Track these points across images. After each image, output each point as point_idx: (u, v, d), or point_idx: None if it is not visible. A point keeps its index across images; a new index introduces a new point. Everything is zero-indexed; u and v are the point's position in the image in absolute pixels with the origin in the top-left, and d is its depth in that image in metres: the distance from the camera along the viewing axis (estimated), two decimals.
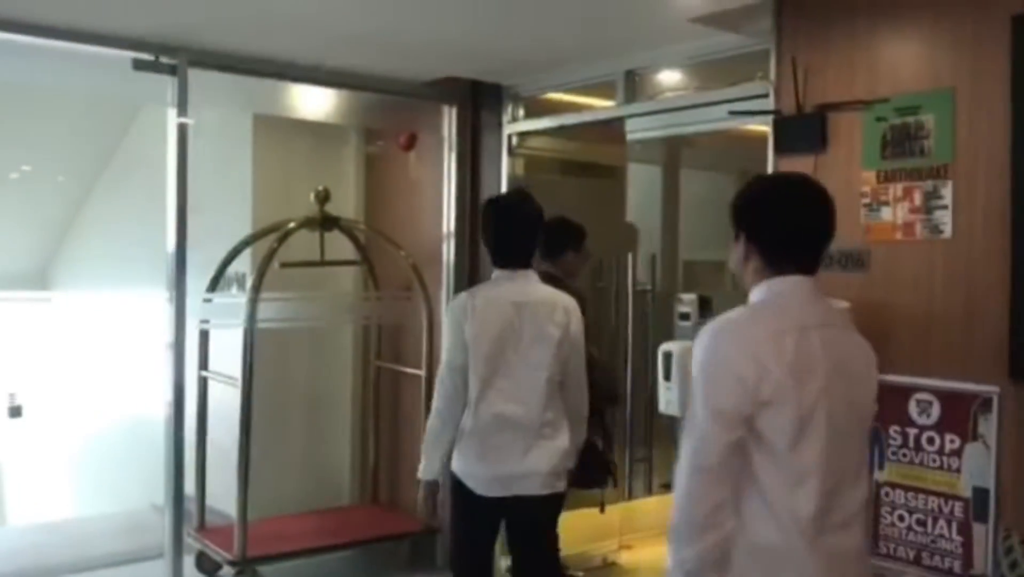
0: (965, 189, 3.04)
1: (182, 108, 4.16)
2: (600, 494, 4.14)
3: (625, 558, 4.96)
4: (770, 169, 3.57)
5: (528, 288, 3.15)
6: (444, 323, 3.29)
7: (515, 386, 3.08)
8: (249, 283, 4.58)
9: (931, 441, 3.10)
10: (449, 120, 5.01)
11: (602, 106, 4.66)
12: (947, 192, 3.07)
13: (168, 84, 4.17)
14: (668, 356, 4.05)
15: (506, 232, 3.17)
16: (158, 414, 4.33)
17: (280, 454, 5.24)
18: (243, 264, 4.95)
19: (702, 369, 1.91)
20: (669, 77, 4.36)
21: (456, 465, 3.18)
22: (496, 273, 3.20)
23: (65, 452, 8.22)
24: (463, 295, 3.24)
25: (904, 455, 3.17)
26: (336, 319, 5.38)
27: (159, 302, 4.32)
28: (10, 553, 5.24)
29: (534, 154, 5.09)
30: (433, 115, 5.03)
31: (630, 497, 5.29)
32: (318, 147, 5.46)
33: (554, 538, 3.31)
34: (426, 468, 3.22)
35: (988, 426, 2.95)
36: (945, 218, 3.08)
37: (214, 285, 4.85)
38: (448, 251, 5.00)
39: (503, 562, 3.84)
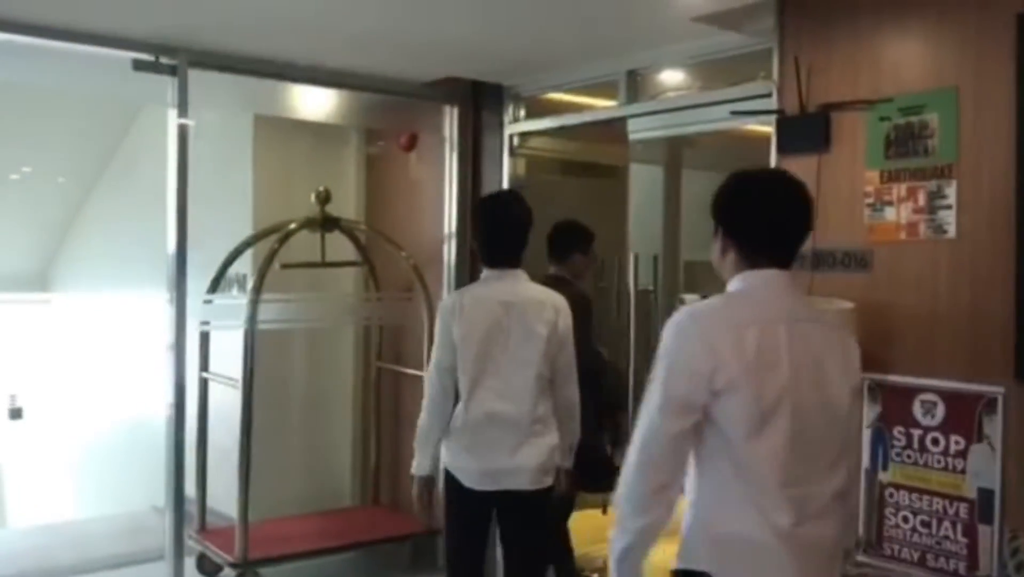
0: (969, 189, 3.02)
1: (182, 109, 4.15)
2: (602, 498, 4.13)
3: None
4: None
5: (517, 287, 3.20)
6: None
7: (504, 384, 3.13)
8: (250, 284, 4.57)
9: (936, 442, 3.09)
10: (450, 120, 5.00)
11: (603, 106, 4.64)
12: (951, 192, 3.06)
13: (168, 85, 4.16)
14: None
15: (494, 232, 3.22)
16: (159, 415, 4.32)
17: (281, 455, 5.24)
18: (244, 265, 4.94)
19: (662, 356, 1.98)
20: (671, 77, 4.34)
21: (447, 459, 3.24)
22: (485, 273, 3.25)
23: (66, 454, 8.21)
24: (452, 296, 3.34)
25: (908, 456, 3.16)
26: (337, 320, 5.37)
27: (159, 303, 4.31)
28: (11, 555, 5.23)
29: (535, 154, 5.08)
30: (434, 115, 5.02)
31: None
32: (319, 148, 5.45)
33: (543, 533, 3.35)
34: (419, 464, 3.29)
35: (993, 427, 2.94)
36: (949, 218, 3.06)
37: (215, 286, 4.84)
38: (449, 252, 4.99)
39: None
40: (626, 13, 3.69)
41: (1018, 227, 2.89)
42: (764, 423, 1.91)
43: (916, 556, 3.14)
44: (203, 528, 4.79)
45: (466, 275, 4.90)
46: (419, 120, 5.13)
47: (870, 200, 3.27)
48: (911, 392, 3.14)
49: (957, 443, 3.04)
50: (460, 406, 3.18)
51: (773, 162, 3.56)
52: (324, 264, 4.88)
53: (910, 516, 3.16)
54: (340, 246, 5.04)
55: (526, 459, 3.14)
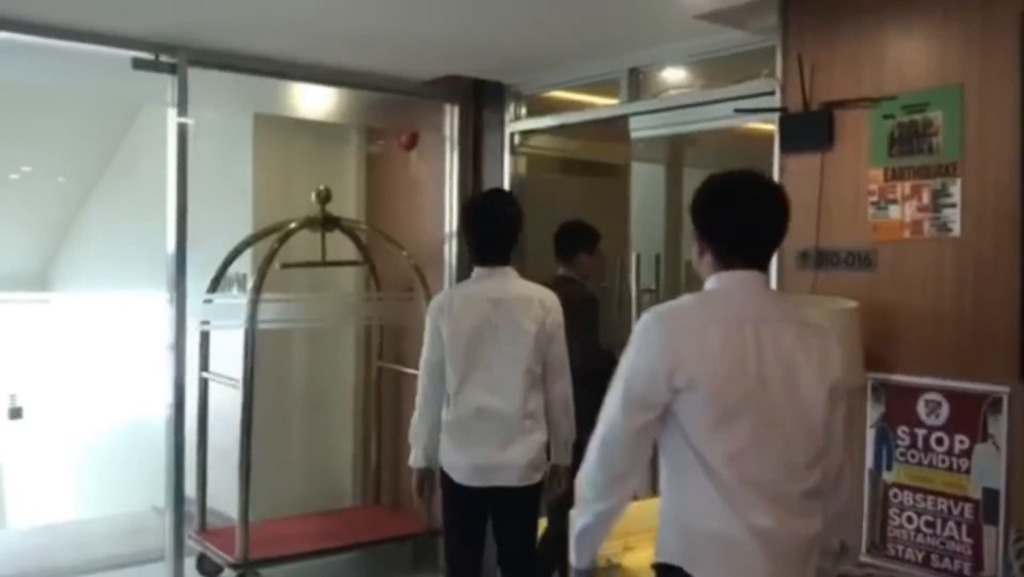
0: (974, 187, 3.00)
1: (182, 108, 4.14)
2: None
3: (629, 559, 4.92)
4: (776, 168, 3.55)
5: (506, 285, 3.25)
6: None
7: (493, 379, 3.18)
8: (250, 284, 4.56)
9: (940, 442, 3.08)
10: (451, 119, 4.98)
11: (605, 104, 4.62)
12: (956, 190, 3.04)
13: (168, 83, 4.15)
14: None
15: (483, 231, 3.29)
16: (159, 415, 4.30)
17: (281, 455, 5.23)
18: (244, 265, 4.93)
19: (626, 354, 2.04)
20: (673, 75, 4.32)
21: (441, 456, 3.30)
22: (476, 271, 3.31)
23: (66, 454, 8.19)
24: (442, 294, 3.44)
25: (913, 456, 3.14)
26: (337, 320, 5.36)
27: (159, 303, 4.29)
28: (11, 556, 5.22)
29: (536, 153, 5.06)
30: (435, 114, 5.01)
31: (634, 498, 5.26)
32: (319, 146, 5.44)
33: (534, 527, 3.38)
34: (414, 457, 3.37)
35: (998, 426, 2.93)
36: (954, 216, 3.05)
37: (215, 286, 4.83)
38: (450, 251, 4.97)
39: None
40: (628, 11, 3.67)
41: (1023, 225, 2.87)
42: (726, 421, 1.95)
43: (920, 556, 3.12)
44: (203, 528, 4.77)
45: (467, 274, 4.84)
46: (420, 119, 5.11)
47: (874, 198, 3.25)
48: (915, 392, 3.13)
49: (962, 443, 3.02)
50: (449, 402, 3.24)
51: (776, 160, 3.55)
52: (324, 263, 4.86)
53: (914, 516, 3.14)
54: (340, 245, 5.03)
55: (516, 455, 3.18)
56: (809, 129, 3.40)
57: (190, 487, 4.47)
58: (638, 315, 5.08)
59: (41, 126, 6.75)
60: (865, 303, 3.15)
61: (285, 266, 4.63)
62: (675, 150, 5.04)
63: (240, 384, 4.43)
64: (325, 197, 4.82)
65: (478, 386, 3.19)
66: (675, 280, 5.54)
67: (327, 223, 4.84)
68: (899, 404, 3.17)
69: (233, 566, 4.37)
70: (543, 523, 3.67)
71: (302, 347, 5.45)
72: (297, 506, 5.14)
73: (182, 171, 4.16)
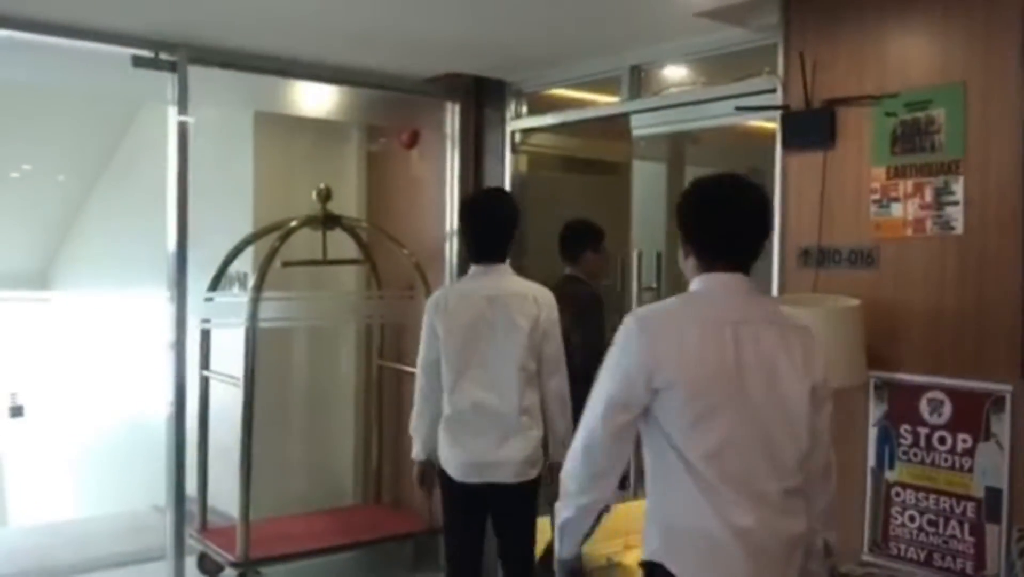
0: (977, 185, 2.99)
1: (182, 106, 4.13)
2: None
3: (629, 557, 4.92)
4: (777, 166, 3.55)
5: (502, 282, 3.29)
6: None
7: (489, 376, 3.22)
8: (251, 282, 4.55)
9: (943, 440, 3.07)
10: (452, 117, 4.98)
11: (606, 102, 4.61)
12: (958, 188, 3.03)
13: (168, 81, 4.14)
14: None
15: (479, 230, 3.34)
16: (160, 414, 4.30)
17: (282, 454, 5.22)
18: (244, 263, 4.92)
19: (610, 354, 2.11)
20: (675, 72, 4.31)
21: (439, 452, 3.35)
22: (472, 268, 3.36)
23: (66, 452, 8.19)
24: (438, 292, 3.47)
25: (915, 455, 3.13)
26: (338, 318, 5.35)
27: (160, 301, 4.28)
28: (12, 554, 5.22)
29: (538, 151, 5.05)
30: (435, 112, 5.00)
31: (636, 496, 5.25)
32: (320, 145, 5.43)
33: (533, 521, 3.39)
34: (415, 450, 3.45)
35: (1001, 425, 2.92)
36: (956, 214, 3.04)
37: (215, 284, 4.82)
38: (451, 249, 4.96)
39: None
40: (629, 8, 3.66)
41: None
42: (705, 420, 2.00)
43: (923, 555, 3.12)
44: (204, 527, 4.77)
45: (467, 272, 4.87)
46: (420, 117, 5.10)
47: (876, 196, 3.24)
48: (918, 390, 3.12)
49: (964, 441, 3.01)
50: (445, 398, 3.29)
51: (778, 158, 3.54)
52: (325, 262, 4.86)
53: (917, 515, 3.14)
54: (341, 244, 5.02)
55: (512, 452, 3.21)
56: (811, 127, 3.39)
57: (191, 486, 4.46)
58: None
59: (41, 124, 6.74)
60: (867, 301, 3.14)
61: (286, 264, 4.62)
62: (676, 148, 5.02)
63: (241, 382, 4.42)
64: (326, 195, 4.81)
65: (474, 383, 3.23)
66: (677, 278, 5.52)
67: (328, 221, 4.84)
68: (902, 403, 3.17)
69: (234, 565, 4.37)
70: (543, 523, 3.66)
71: (303, 346, 5.45)
72: (298, 505, 5.13)
73: (182, 169, 4.15)
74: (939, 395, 3.07)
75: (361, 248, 5.14)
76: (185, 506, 4.27)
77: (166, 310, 4.21)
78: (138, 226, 6.13)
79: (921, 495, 3.12)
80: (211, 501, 4.83)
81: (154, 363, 4.58)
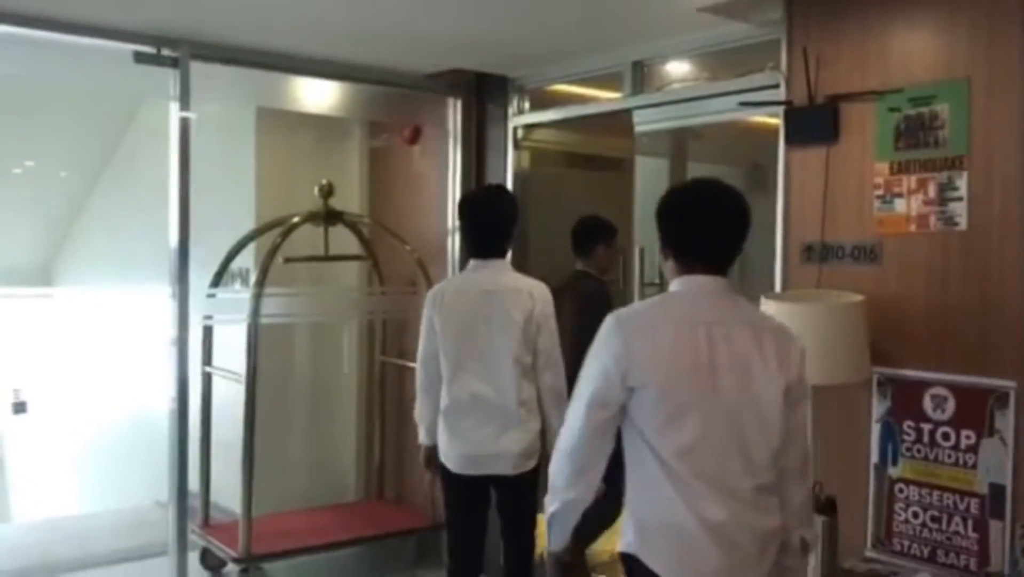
0: (981, 180, 2.98)
1: (184, 102, 4.12)
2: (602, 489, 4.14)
3: None
4: (780, 162, 3.54)
5: (498, 277, 3.35)
6: None
7: (486, 369, 3.27)
8: (253, 278, 4.55)
9: (946, 437, 3.06)
10: (454, 113, 4.97)
11: (609, 98, 4.60)
12: (962, 183, 3.02)
13: (170, 77, 4.13)
14: None
15: (477, 226, 3.40)
16: (162, 410, 4.29)
17: (285, 450, 5.23)
18: (247, 259, 4.92)
19: (591, 353, 2.19)
20: (677, 68, 4.30)
21: (439, 445, 3.41)
22: (471, 263, 3.43)
23: (69, 448, 8.20)
24: (436, 287, 3.55)
25: (919, 451, 3.13)
26: (341, 314, 5.35)
27: (162, 297, 4.28)
28: (15, 550, 5.22)
29: (540, 147, 5.03)
30: (437, 108, 4.99)
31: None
32: (322, 141, 5.42)
33: (534, 509, 3.41)
34: (421, 436, 3.52)
35: (1005, 421, 2.91)
36: (960, 210, 3.03)
37: (217, 280, 4.83)
38: (453, 245, 4.95)
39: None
40: (632, 4, 3.65)
41: None
42: (678, 417, 2.07)
43: (926, 552, 3.11)
44: (206, 523, 4.77)
45: None
46: (422, 113, 5.09)
47: (879, 192, 3.23)
48: (921, 386, 3.11)
49: (968, 438, 3.01)
50: (444, 390, 3.35)
51: (781, 154, 3.53)
52: (327, 258, 4.85)
53: (920, 512, 3.13)
54: (343, 240, 5.02)
55: (510, 444, 3.26)
56: (814, 122, 3.38)
57: (193, 481, 4.47)
58: None
59: (44, 121, 6.75)
60: (870, 297, 3.13)
61: (288, 260, 4.62)
62: (679, 144, 5.02)
63: (243, 378, 4.42)
64: (328, 191, 4.81)
65: (471, 375, 3.28)
66: None
67: (330, 217, 4.84)
68: (905, 399, 3.16)
69: (236, 560, 4.37)
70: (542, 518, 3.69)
71: (305, 341, 5.45)
72: (300, 500, 5.14)
73: (184, 165, 4.14)
74: (942, 391, 3.07)
75: (363, 244, 5.14)
76: (187, 502, 4.27)
77: (168, 306, 4.20)
78: (140, 222, 6.14)
79: (924, 491, 3.12)
80: (213, 497, 4.84)
81: (156, 359, 4.58)
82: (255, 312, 4.41)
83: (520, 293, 3.30)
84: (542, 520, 3.38)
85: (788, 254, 3.50)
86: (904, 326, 3.15)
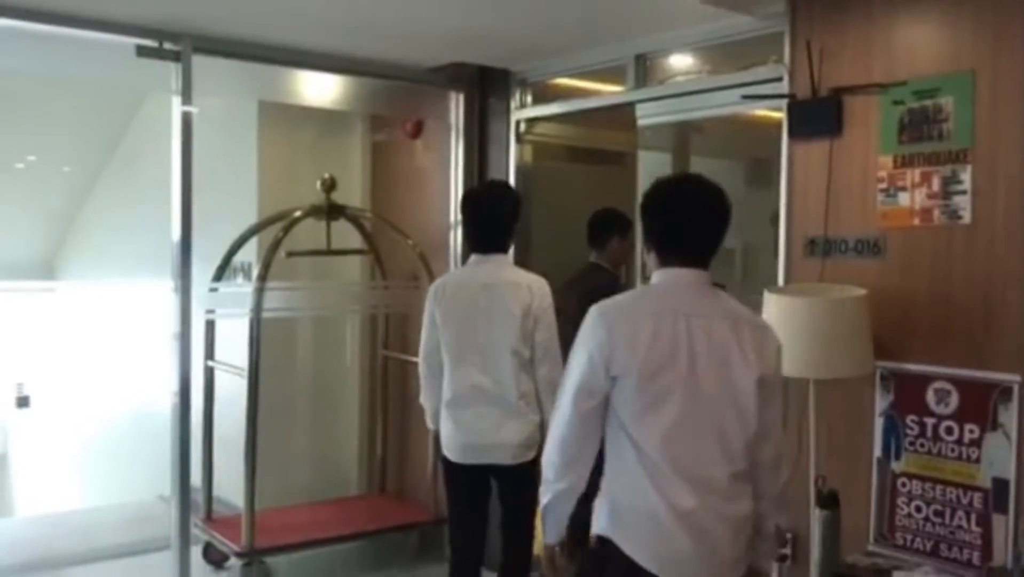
0: (985, 174, 2.97)
1: (186, 96, 4.12)
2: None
3: None
4: (784, 155, 3.53)
5: (499, 271, 3.40)
6: None
7: (485, 361, 3.32)
8: (255, 272, 4.54)
9: (949, 431, 3.05)
10: (456, 106, 4.95)
11: (611, 91, 4.59)
12: (966, 177, 3.01)
13: (172, 71, 4.12)
14: None
15: (478, 222, 3.46)
16: (165, 404, 4.30)
17: (287, 444, 5.23)
18: (249, 253, 4.92)
19: (576, 344, 2.26)
20: (680, 61, 4.28)
21: (441, 436, 3.47)
22: (472, 258, 3.49)
23: (72, 442, 8.21)
24: (438, 281, 3.59)
25: (922, 445, 3.12)
26: (343, 308, 5.35)
27: (165, 292, 4.28)
28: (18, 544, 5.24)
29: (542, 141, 5.02)
30: (440, 102, 4.98)
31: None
32: (324, 135, 5.42)
33: (533, 498, 3.41)
34: (429, 421, 3.59)
35: (1008, 415, 2.91)
36: (964, 203, 3.02)
37: (220, 274, 4.82)
38: (455, 239, 4.94)
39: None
40: None
41: None
42: (656, 406, 2.15)
43: (929, 546, 3.11)
44: (209, 517, 4.77)
45: None
46: (425, 107, 5.08)
47: (883, 185, 3.22)
48: (925, 380, 3.11)
49: (971, 432, 3.00)
50: (446, 382, 3.41)
51: (784, 147, 3.51)
52: (330, 252, 4.85)
53: (923, 506, 3.13)
54: (346, 234, 5.01)
55: (510, 434, 3.30)
56: (818, 115, 3.37)
57: (196, 476, 4.47)
58: None
59: (46, 115, 6.75)
60: (874, 291, 3.13)
61: (290, 254, 4.62)
62: (682, 137, 5.00)
63: (245, 373, 4.42)
64: (330, 185, 4.80)
65: (471, 367, 3.34)
66: None
67: (332, 211, 4.83)
68: (908, 393, 3.15)
69: (239, 555, 4.38)
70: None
71: (307, 336, 5.45)
72: (303, 495, 5.14)
73: (186, 160, 4.14)
74: (946, 385, 3.06)
75: (365, 238, 5.14)
76: (190, 496, 4.28)
77: (171, 300, 4.20)
78: (143, 216, 6.14)
79: (928, 485, 3.11)
80: (216, 491, 4.84)
81: (159, 353, 4.58)
82: (257, 306, 4.41)
83: (519, 287, 3.34)
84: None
85: (791, 248, 3.49)
86: (907, 320, 3.15)
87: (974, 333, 2.99)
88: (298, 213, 4.71)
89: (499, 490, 3.45)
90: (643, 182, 5.02)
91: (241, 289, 4.70)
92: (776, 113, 3.64)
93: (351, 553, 4.94)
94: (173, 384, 4.20)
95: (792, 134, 3.48)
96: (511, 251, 3.58)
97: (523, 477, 3.36)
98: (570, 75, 4.76)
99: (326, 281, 5.18)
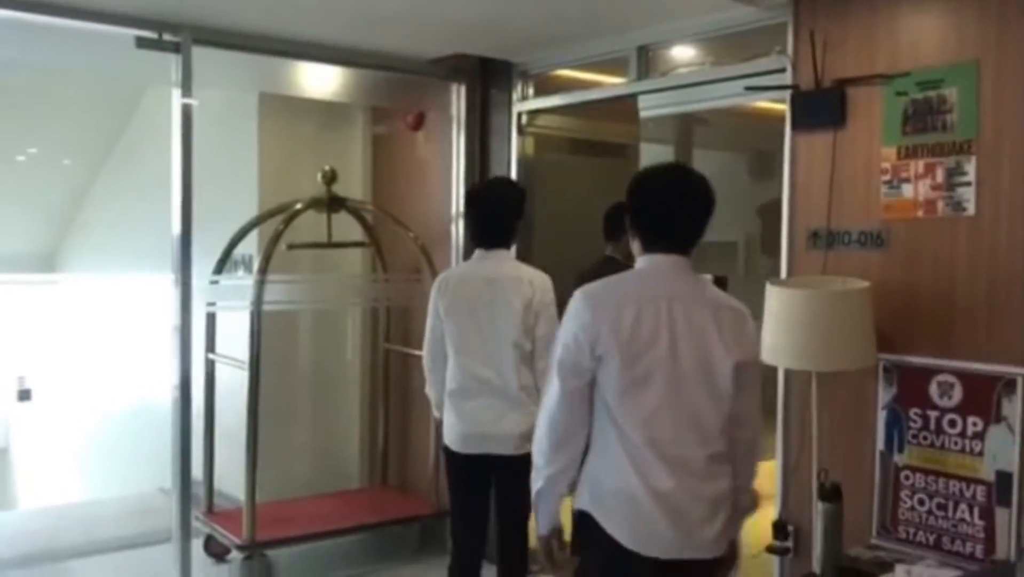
0: (989, 165, 2.96)
1: (186, 88, 4.10)
2: None
3: None
4: (787, 147, 3.51)
5: (501, 266, 3.44)
6: None
7: (487, 353, 3.37)
8: (256, 265, 4.53)
9: (953, 424, 3.04)
10: (457, 98, 4.93)
11: (614, 83, 4.57)
12: (971, 168, 2.99)
13: (172, 63, 4.10)
14: None
15: (480, 218, 3.49)
16: (165, 397, 4.29)
17: (288, 437, 5.22)
18: (249, 246, 4.90)
19: (561, 326, 2.35)
20: (683, 52, 4.26)
21: (443, 426, 3.52)
22: (476, 253, 3.51)
23: (74, 435, 8.22)
24: (442, 274, 3.62)
25: (925, 438, 3.11)
26: (344, 301, 5.34)
27: (165, 285, 4.27)
28: (19, 536, 5.24)
29: (544, 133, 5.00)
30: (441, 93, 4.96)
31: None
32: (325, 127, 5.40)
33: (525, 494, 3.42)
34: (434, 409, 3.65)
35: (1012, 408, 2.89)
36: (968, 195, 3.00)
37: (220, 267, 4.81)
38: (457, 232, 4.93)
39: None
40: None
41: None
42: (637, 387, 2.22)
43: (931, 539, 3.10)
44: (210, 510, 4.77)
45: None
46: (426, 98, 5.06)
47: (887, 177, 3.20)
48: (928, 373, 3.09)
49: (975, 425, 2.99)
50: (448, 373, 3.45)
51: (788, 139, 3.50)
52: (331, 245, 4.84)
53: (926, 499, 3.12)
54: (347, 226, 5.00)
55: (511, 425, 3.33)
56: (821, 107, 3.36)
57: (197, 468, 4.46)
58: None
59: (46, 108, 6.74)
60: (877, 283, 3.11)
61: (291, 247, 4.60)
62: (685, 129, 4.99)
63: (246, 365, 4.41)
64: (331, 178, 4.79)
65: (474, 359, 3.38)
66: None
67: (333, 204, 4.81)
68: (911, 385, 3.14)
69: (240, 547, 4.38)
70: None
71: (308, 329, 5.44)
72: (304, 488, 5.14)
73: (186, 152, 4.12)
74: (949, 378, 3.05)
75: (366, 231, 5.12)
76: (191, 489, 4.27)
77: (171, 293, 4.19)
78: (143, 209, 6.13)
79: (930, 478, 3.10)
80: (217, 484, 4.84)
81: (160, 346, 4.57)
82: (258, 299, 4.40)
83: (521, 282, 3.39)
84: None
85: (794, 240, 3.48)
86: (911, 312, 3.13)
87: (978, 325, 2.98)
88: (299, 205, 4.70)
89: (498, 480, 3.47)
90: None
91: (242, 282, 4.69)
92: (779, 105, 3.63)
93: (352, 546, 4.94)
94: (174, 377, 4.19)
95: (795, 126, 3.47)
96: (513, 248, 3.57)
97: (523, 468, 3.36)
98: (572, 67, 4.74)
99: (327, 274, 5.17)
